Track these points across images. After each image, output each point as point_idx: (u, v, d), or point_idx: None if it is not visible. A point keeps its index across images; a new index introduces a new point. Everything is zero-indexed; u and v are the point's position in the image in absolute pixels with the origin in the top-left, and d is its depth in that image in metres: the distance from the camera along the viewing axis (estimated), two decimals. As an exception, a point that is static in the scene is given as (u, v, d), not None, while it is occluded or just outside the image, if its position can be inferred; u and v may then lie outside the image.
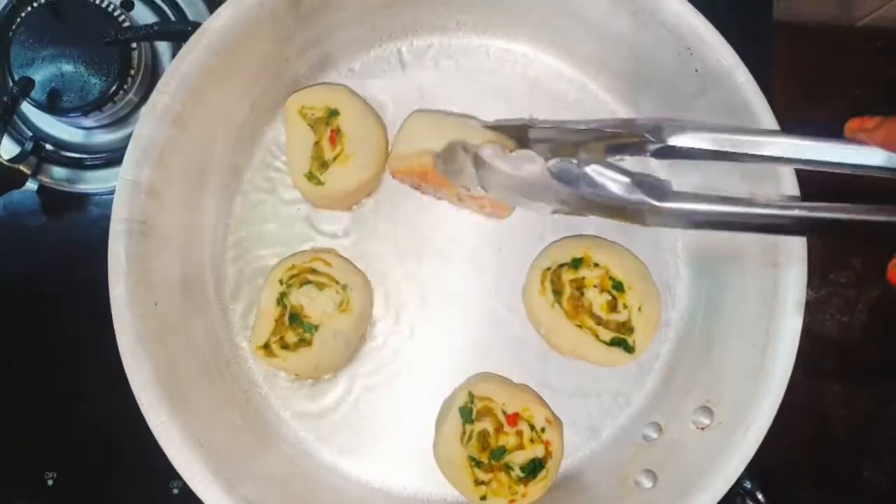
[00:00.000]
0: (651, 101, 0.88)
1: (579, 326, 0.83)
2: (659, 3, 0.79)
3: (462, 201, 0.87)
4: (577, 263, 0.84)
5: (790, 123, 0.77)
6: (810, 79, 1.10)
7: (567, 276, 0.84)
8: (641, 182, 0.69)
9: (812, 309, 1.01)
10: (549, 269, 0.85)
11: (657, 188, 0.68)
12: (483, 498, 0.80)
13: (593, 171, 0.70)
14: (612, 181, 0.70)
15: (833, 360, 1.04)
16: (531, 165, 0.73)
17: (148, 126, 0.76)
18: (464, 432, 0.81)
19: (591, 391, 0.88)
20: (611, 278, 0.84)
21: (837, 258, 1.08)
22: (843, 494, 1.02)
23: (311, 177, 0.84)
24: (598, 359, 0.84)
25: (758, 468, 0.89)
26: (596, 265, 0.84)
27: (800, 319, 0.76)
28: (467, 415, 0.81)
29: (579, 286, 0.84)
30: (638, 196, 0.68)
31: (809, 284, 1.08)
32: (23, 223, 0.97)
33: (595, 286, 0.84)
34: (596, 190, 0.70)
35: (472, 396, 0.82)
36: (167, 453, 0.74)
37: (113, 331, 0.75)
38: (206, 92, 0.79)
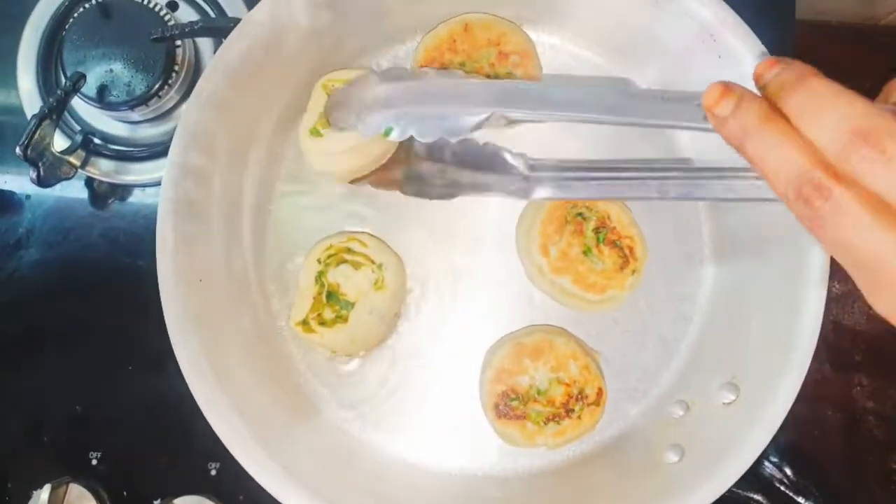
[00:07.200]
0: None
1: None
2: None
3: None
4: None
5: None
6: (834, 76, 1.11)
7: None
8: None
9: (840, 301, 1.02)
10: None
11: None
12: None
13: None
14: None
15: (861, 353, 1.04)
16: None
17: (194, 111, 0.80)
18: None
19: (618, 372, 0.89)
20: None
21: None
22: (872, 485, 1.01)
23: (314, 131, 0.83)
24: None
25: (785, 448, 0.90)
26: None
27: (824, 290, 0.77)
28: None
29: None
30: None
31: (836, 277, 1.08)
32: (72, 212, 1.01)
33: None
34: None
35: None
36: (210, 420, 0.76)
37: (157, 315, 0.77)
38: (248, 80, 0.82)
